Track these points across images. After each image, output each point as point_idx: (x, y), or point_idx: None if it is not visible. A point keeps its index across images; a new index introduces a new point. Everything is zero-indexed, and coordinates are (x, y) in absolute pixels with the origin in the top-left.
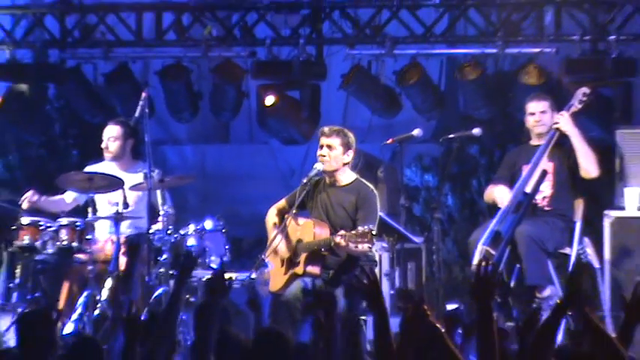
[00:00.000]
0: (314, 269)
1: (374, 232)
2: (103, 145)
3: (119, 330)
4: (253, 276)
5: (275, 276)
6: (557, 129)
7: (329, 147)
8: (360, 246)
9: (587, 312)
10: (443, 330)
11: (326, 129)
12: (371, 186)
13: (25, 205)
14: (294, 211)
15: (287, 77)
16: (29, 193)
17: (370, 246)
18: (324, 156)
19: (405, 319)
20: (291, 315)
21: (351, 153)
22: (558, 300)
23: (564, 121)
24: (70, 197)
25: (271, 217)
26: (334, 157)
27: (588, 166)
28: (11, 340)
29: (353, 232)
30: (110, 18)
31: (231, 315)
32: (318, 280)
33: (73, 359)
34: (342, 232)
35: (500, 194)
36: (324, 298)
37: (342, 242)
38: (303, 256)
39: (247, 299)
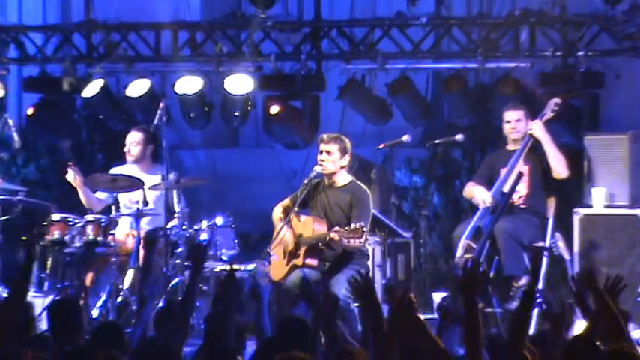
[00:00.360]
0: (312, 261)
1: (365, 230)
2: (125, 150)
3: (141, 318)
4: (253, 267)
5: (277, 266)
6: (531, 135)
7: (328, 152)
8: (352, 241)
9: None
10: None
11: (325, 136)
12: (365, 187)
13: (69, 176)
14: (296, 209)
15: (290, 89)
16: (77, 169)
17: (361, 241)
18: (324, 160)
19: (391, 311)
20: (291, 301)
21: (347, 157)
22: (525, 288)
23: (537, 128)
24: (102, 196)
25: (277, 214)
26: (332, 161)
27: (559, 168)
28: (44, 324)
29: (346, 228)
30: (132, 36)
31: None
32: (315, 270)
33: (97, 342)
34: (337, 228)
35: (479, 192)
36: (329, 297)
37: (337, 237)
38: (302, 249)
39: (248, 289)
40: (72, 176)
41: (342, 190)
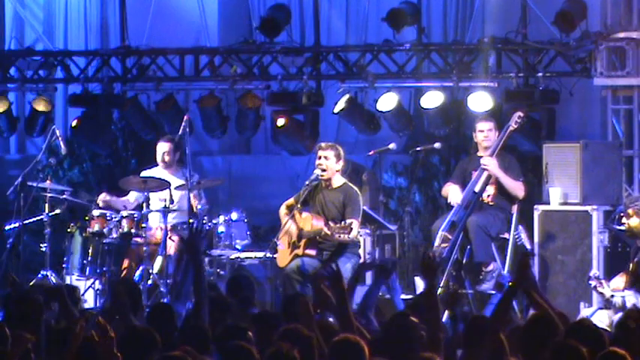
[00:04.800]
0: (311, 251)
1: (352, 227)
2: (159, 159)
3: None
4: (268, 255)
5: (283, 255)
6: (485, 169)
7: (325, 158)
8: (341, 236)
9: (533, 293)
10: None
11: (323, 144)
12: (356, 188)
13: (100, 203)
14: (298, 207)
15: (294, 104)
16: (103, 195)
17: (349, 236)
18: (321, 164)
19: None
20: (291, 285)
21: (341, 162)
22: (510, 283)
23: (492, 166)
24: (132, 197)
25: (283, 210)
26: (328, 165)
27: (515, 193)
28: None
29: (337, 225)
30: (160, 59)
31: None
32: (314, 259)
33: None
34: (330, 224)
35: (453, 192)
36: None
37: (329, 232)
38: (303, 241)
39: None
40: (102, 203)
41: (337, 191)
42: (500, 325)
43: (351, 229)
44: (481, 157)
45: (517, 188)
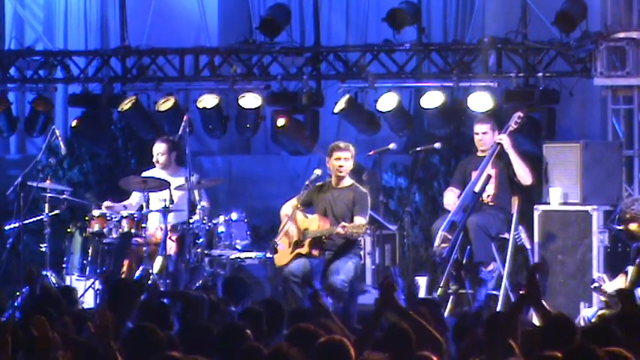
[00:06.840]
0: (315, 251)
1: (366, 226)
2: (154, 160)
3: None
4: (268, 255)
5: (283, 254)
6: (500, 144)
7: (345, 159)
8: (355, 234)
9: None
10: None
11: (341, 144)
12: (362, 187)
13: (104, 210)
14: (299, 207)
15: (294, 105)
16: (106, 202)
17: (362, 234)
18: (342, 166)
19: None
20: (291, 287)
21: (352, 162)
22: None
23: (505, 141)
24: (134, 200)
25: (284, 210)
26: (347, 167)
27: (524, 176)
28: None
29: (351, 224)
30: (160, 59)
31: (251, 286)
32: (317, 259)
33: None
34: (343, 223)
35: (447, 199)
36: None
37: (342, 231)
38: (307, 241)
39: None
40: (106, 210)
41: (346, 190)
42: (516, 327)
43: (365, 227)
44: (481, 157)
45: (527, 172)
